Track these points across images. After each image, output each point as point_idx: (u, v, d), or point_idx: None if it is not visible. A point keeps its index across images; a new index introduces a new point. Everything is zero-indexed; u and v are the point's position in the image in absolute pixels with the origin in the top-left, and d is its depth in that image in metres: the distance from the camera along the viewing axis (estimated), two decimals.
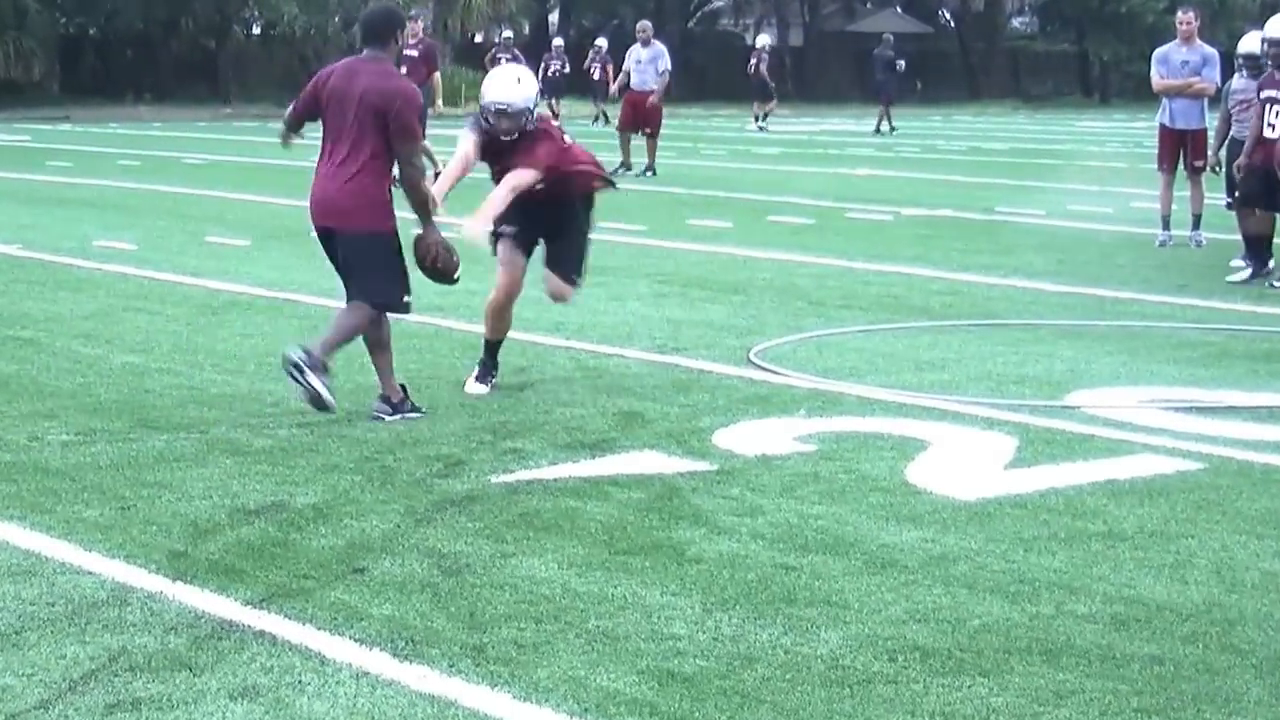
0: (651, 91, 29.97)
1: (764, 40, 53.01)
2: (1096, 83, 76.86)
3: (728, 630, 6.57)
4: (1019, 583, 7.15)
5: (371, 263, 10.08)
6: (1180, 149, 19.09)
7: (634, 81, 30.33)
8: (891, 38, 49.80)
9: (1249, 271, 16.29)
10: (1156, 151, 19.62)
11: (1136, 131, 20.91)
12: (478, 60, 51.29)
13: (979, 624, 6.65)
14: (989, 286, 16.19)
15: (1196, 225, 19.08)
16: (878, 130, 46.12)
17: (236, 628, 6.57)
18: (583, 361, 12.02)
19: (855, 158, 35.52)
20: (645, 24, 31.99)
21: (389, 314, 10.30)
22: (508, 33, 52.09)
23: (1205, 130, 18.41)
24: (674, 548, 7.63)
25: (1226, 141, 18.07)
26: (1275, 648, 6.40)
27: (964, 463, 9.19)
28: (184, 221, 20.34)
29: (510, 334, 11.34)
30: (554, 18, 75.27)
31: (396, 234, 10.17)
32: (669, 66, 30.35)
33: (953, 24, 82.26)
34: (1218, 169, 18.64)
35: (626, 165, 29.72)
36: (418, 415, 10.15)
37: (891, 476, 8.89)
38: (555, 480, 8.78)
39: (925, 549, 7.64)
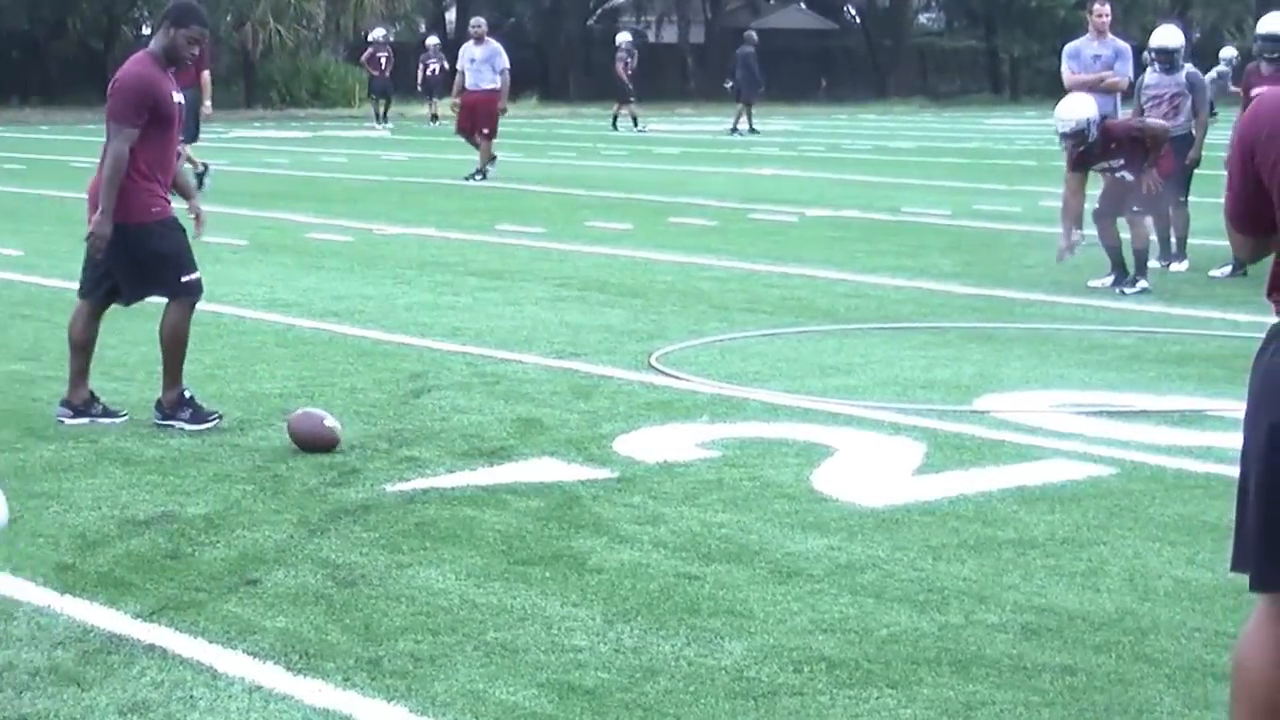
0: (490, 91, 28.99)
1: (623, 38, 51.25)
2: (1006, 79, 77.28)
3: (629, 641, 6.45)
4: (928, 591, 7.05)
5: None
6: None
7: (469, 81, 29.31)
8: (754, 34, 49.45)
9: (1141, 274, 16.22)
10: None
11: (1047, 129, 20.95)
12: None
13: (887, 634, 6.55)
14: (895, 289, 16.14)
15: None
16: (734, 130, 45.65)
17: (126, 642, 6.43)
18: (480, 367, 11.87)
19: (759, 157, 35.52)
20: (479, 21, 30.92)
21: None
22: (381, 31, 52.00)
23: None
24: (574, 557, 7.50)
25: None
26: (1188, 657, 6.33)
27: (871, 469, 9.09)
28: (72, 226, 19.90)
29: (406, 339, 11.22)
30: (451, 15, 75.04)
31: (149, 224, 9.94)
32: (507, 65, 29.48)
33: (858, 20, 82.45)
34: None
35: (483, 171, 28.99)
36: (112, 421, 10.03)
37: (797, 483, 8.77)
38: (452, 489, 8.63)
39: (831, 557, 7.52)
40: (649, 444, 9.60)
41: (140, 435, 9.74)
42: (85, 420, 9.96)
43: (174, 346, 9.97)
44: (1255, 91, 16.88)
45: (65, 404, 10.07)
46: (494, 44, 29.87)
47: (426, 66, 51.10)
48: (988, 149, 37.66)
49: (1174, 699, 5.92)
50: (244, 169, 31.77)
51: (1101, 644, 6.45)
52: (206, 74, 24.86)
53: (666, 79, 72.56)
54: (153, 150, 9.86)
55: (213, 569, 7.32)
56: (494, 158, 29.29)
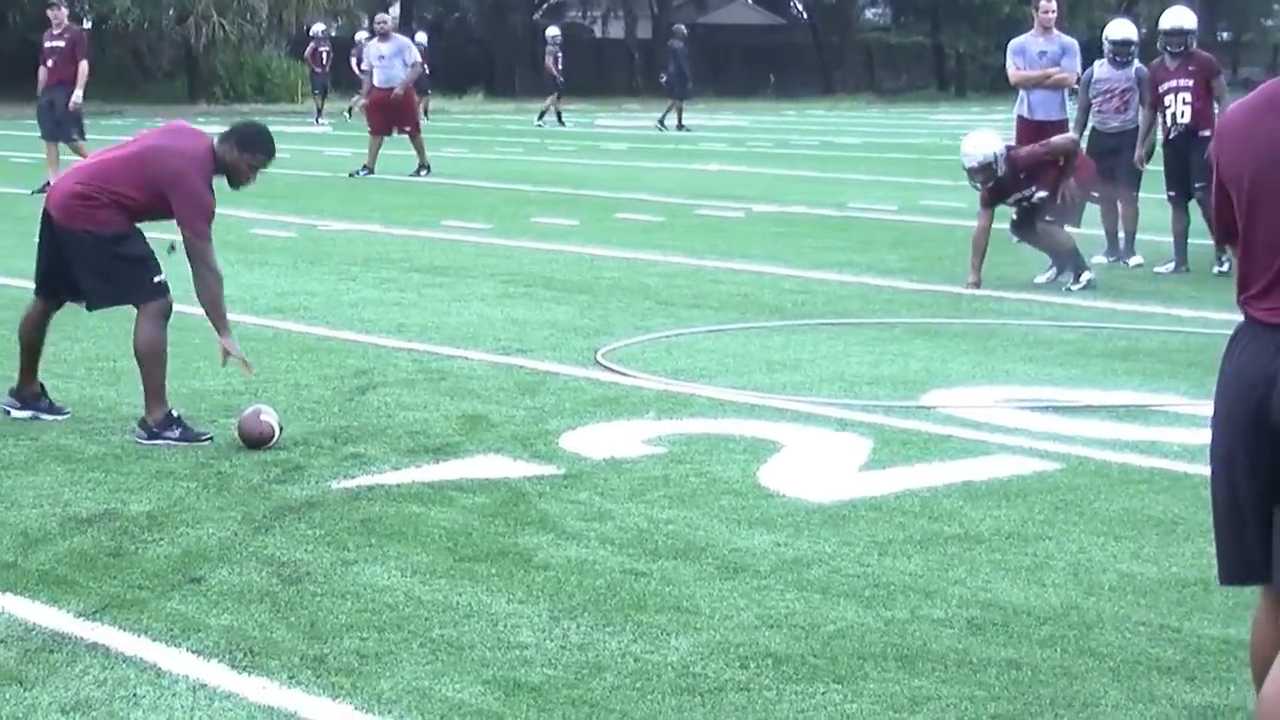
0: (399, 88, 28.52)
1: (552, 31, 50.89)
2: (952, 75, 77.49)
3: (575, 638, 6.43)
4: (874, 587, 7.04)
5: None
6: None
7: (379, 79, 28.71)
8: (684, 29, 49.29)
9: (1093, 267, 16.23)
10: (1015, 143, 19.57)
11: (994, 123, 21.00)
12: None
13: (833, 629, 6.54)
14: (842, 284, 16.14)
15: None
16: (661, 124, 45.55)
17: (68, 640, 6.38)
18: (425, 364, 11.82)
19: (706, 153, 35.50)
20: (384, 17, 30.57)
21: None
22: (321, 25, 51.81)
23: (1066, 121, 18.42)
24: (520, 554, 7.47)
25: (1087, 132, 18.02)
26: (1133, 651, 6.33)
27: (817, 465, 9.08)
28: (12, 222, 19.86)
29: (351, 335, 11.15)
30: (395, 11, 74.76)
31: (119, 233, 9.78)
32: (418, 58, 29.27)
33: (805, 16, 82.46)
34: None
35: (369, 168, 28.44)
36: (58, 417, 9.94)
37: (743, 479, 8.76)
38: (398, 485, 8.59)
39: (778, 553, 7.51)
40: (595, 440, 9.57)
41: (81, 432, 9.67)
42: (29, 413, 9.89)
43: (152, 360, 9.60)
44: (1163, 87, 16.95)
45: (14, 395, 9.99)
46: (401, 38, 29.48)
47: (360, 61, 50.91)
48: (934, 145, 37.70)
49: (1119, 693, 5.92)
50: None
51: (1046, 638, 6.45)
52: (84, 64, 24.15)
53: (613, 74, 72.59)
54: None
55: (156, 567, 7.27)
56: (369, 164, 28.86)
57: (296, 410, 10.25)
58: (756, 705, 5.80)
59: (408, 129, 28.63)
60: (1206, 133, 16.43)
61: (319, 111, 49.54)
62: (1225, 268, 16.34)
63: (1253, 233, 4.78)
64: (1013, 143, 17.00)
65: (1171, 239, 17.10)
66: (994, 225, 15.86)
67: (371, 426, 9.87)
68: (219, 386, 10.93)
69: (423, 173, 28.39)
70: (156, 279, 9.74)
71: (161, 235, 10.06)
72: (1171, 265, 17.02)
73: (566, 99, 50.04)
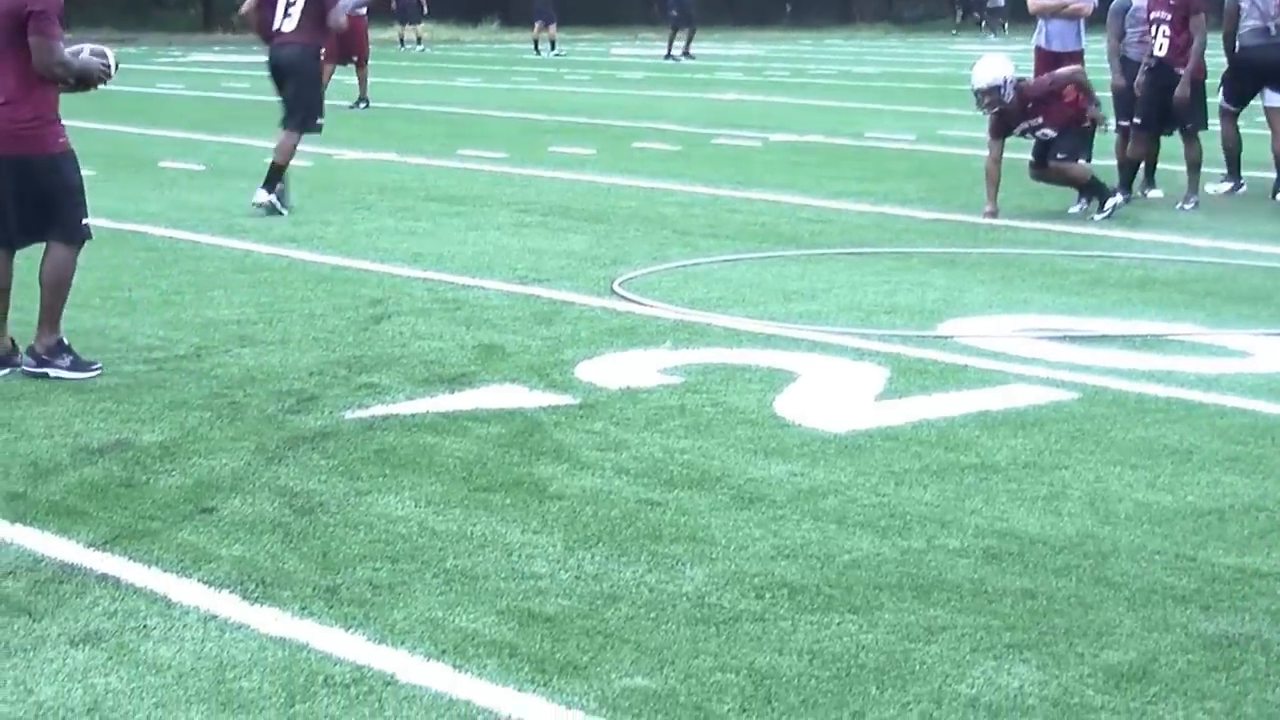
0: (357, 18, 27.57)
1: None
2: (974, 5, 76.95)
3: (590, 568, 6.40)
4: (890, 517, 7.01)
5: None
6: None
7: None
8: None
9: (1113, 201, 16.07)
10: (1032, 75, 19.40)
11: (1013, 54, 20.86)
12: None
13: (848, 559, 6.51)
14: (859, 214, 16.07)
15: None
16: (669, 55, 45.33)
17: (78, 571, 6.36)
18: (440, 293, 11.78)
19: (723, 82, 35.37)
20: None
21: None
22: None
23: (1081, 52, 18.30)
24: (535, 484, 7.44)
25: (1119, 63, 17.72)
26: (1148, 580, 6.30)
27: (834, 395, 9.04)
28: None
29: (366, 265, 11.11)
30: None
31: (58, 156, 9.34)
32: None
33: None
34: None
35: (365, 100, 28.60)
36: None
37: (759, 409, 8.72)
38: (412, 415, 8.56)
39: (794, 483, 7.48)
40: (611, 370, 9.53)
41: None
42: (5, 370, 9.43)
43: (60, 289, 9.33)
44: (1152, 17, 16.67)
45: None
46: None
47: None
48: (952, 75, 37.52)
49: (1134, 621, 5.89)
50: (202, 93, 31.57)
51: (1062, 567, 6.42)
52: None
53: (629, 4, 72.22)
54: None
55: (167, 497, 7.25)
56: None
57: (311, 340, 10.22)
58: (771, 635, 5.77)
59: (355, 59, 28.65)
60: (1180, 70, 16.30)
61: None
62: None
63: None
64: (1027, 76, 16.83)
65: (1117, 166, 16.88)
66: (1010, 156, 15.75)
67: (386, 356, 9.84)
68: (233, 316, 10.91)
69: (361, 105, 28.37)
70: (87, 220, 9.47)
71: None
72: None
73: (581, 28, 49.85)
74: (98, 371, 9.32)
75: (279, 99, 15.75)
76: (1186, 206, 16.31)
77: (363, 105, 28.47)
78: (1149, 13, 16.65)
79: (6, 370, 9.41)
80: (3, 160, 9.21)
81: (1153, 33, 16.59)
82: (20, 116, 9.19)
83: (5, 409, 8.65)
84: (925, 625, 5.85)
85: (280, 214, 15.34)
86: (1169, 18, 16.47)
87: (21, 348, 9.46)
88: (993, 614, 5.96)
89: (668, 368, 9.59)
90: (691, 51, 45.49)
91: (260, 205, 15.53)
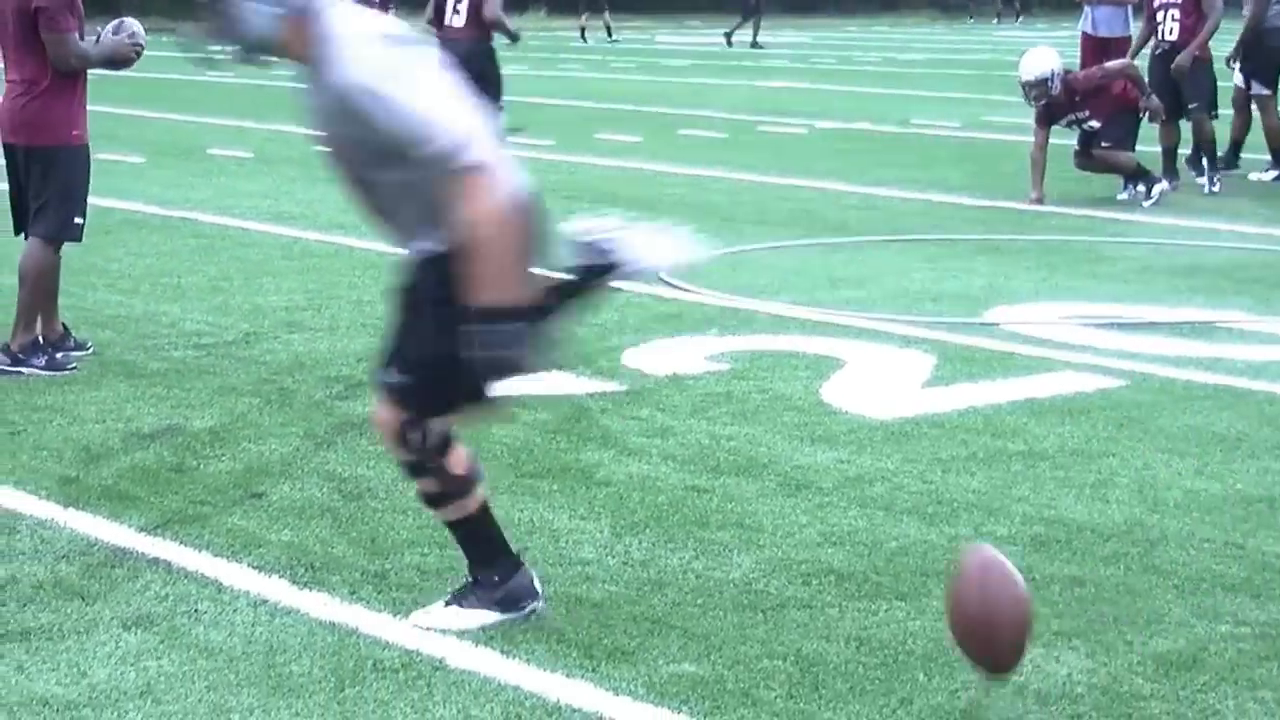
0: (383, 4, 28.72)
1: None
2: None
3: (637, 554, 6.42)
4: (937, 504, 7.01)
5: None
6: (1104, 58, 18.66)
7: None
8: None
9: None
10: (1079, 60, 19.33)
11: (1058, 41, 20.67)
12: None
13: (895, 546, 6.51)
14: (905, 201, 16.05)
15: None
16: (740, 43, 45.26)
17: (130, 555, 6.40)
18: None
19: (769, 70, 35.31)
20: None
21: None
22: None
23: (1129, 38, 18.21)
24: (582, 470, 7.46)
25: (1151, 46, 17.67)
26: (1197, 568, 6.29)
27: (880, 382, 9.04)
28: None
29: None
30: None
31: (76, 149, 9.35)
32: None
33: None
34: None
35: None
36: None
37: (806, 396, 8.72)
38: None
39: (841, 470, 7.48)
40: (658, 357, 9.54)
41: (145, 348, 9.69)
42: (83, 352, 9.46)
43: (36, 285, 9.24)
44: (1157, 3, 16.63)
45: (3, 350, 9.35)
46: None
47: None
48: (998, 61, 37.37)
49: (1183, 609, 5.88)
50: (249, 81, 31.59)
51: (1110, 555, 6.41)
52: None
53: None
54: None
55: (218, 482, 7.29)
56: None
57: (359, 326, 10.25)
58: (818, 622, 5.78)
59: None
60: (1195, 52, 16.28)
61: None
62: None
63: None
64: (1074, 68, 16.74)
65: (1161, 153, 16.80)
66: (1056, 143, 15.71)
67: None
68: (282, 303, 10.95)
69: None
70: (80, 220, 9.36)
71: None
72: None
73: (627, 15, 49.78)
74: (74, 370, 9.17)
75: None
76: (1214, 189, 16.28)
77: None
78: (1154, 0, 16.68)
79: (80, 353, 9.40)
80: (23, 149, 9.23)
81: (1161, 18, 16.57)
82: (37, 106, 9.17)
83: (58, 394, 8.70)
84: None
85: None
86: (1180, 1, 16.48)
87: (74, 335, 9.50)
88: (1041, 601, 5.93)
89: (714, 354, 9.60)
90: (759, 40, 45.38)
91: None
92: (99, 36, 9.36)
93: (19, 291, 9.30)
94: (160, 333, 10.07)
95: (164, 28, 48.30)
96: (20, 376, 9.06)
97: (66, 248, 9.44)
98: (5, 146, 9.38)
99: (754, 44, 45.15)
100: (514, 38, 17.66)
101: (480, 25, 16.68)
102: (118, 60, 9.41)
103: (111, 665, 5.43)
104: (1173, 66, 16.32)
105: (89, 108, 9.46)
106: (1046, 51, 15.92)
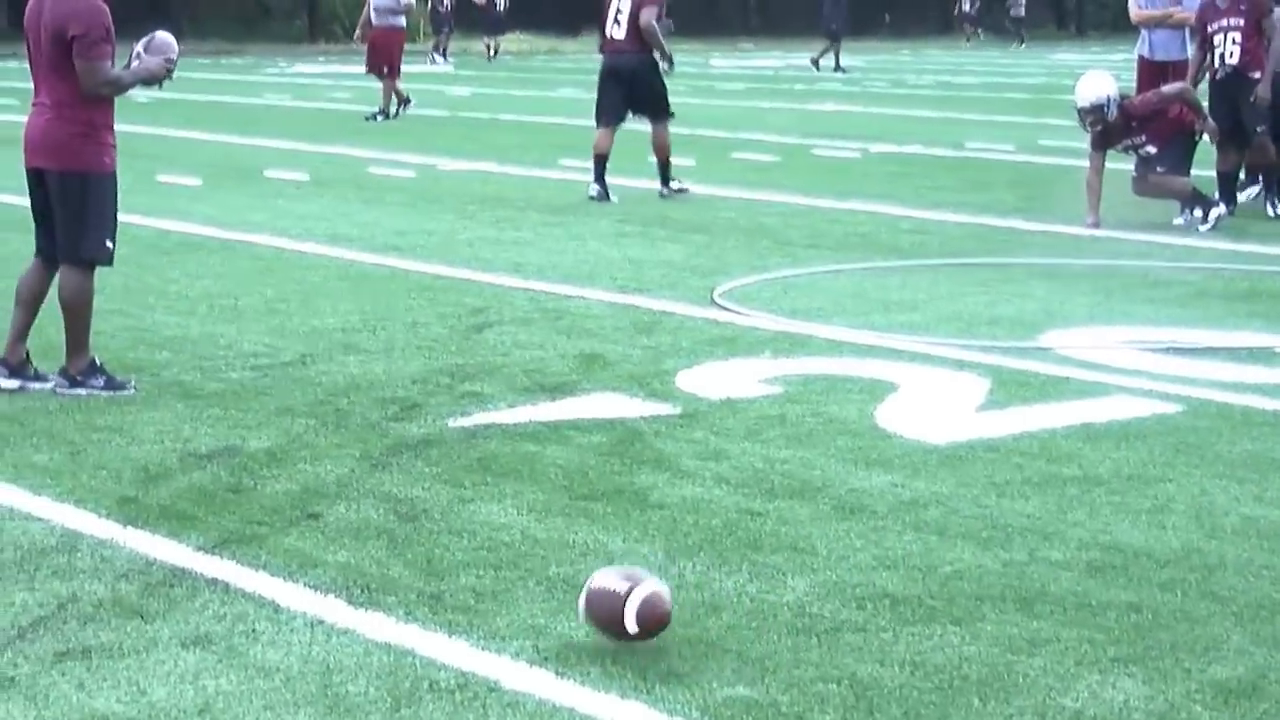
0: (391, 29, 28.48)
1: None
2: (1072, 14, 76.52)
3: (691, 577, 6.42)
4: (992, 528, 7.00)
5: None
6: (1160, 82, 18.55)
7: (375, 20, 28.72)
8: None
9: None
10: (1135, 84, 19.27)
11: (1114, 64, 20.66)
12: None
13: (950, 571, 6.50)
14: (959, 224, 16.03)
15: None
16: (824, 67, 45.34)
17: (188, 575, 6.44)
18: (542, 302, 11.83)
19: (822, 93, 35.32)
20: None
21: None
22: None
23: (1186, 61, 18.14)
24: (636, 493, 7.47)
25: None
26: (1255, 594, 6.26)
27: (935, 405, 9.02)
28: (134, 160, 19.85)
29: (468, 274, 11.16)
30: None
31: (106, 178, 9.25)
32: (411, 1, 29.27)
33: None
34: None
35: (404, 100, 28.49)
36: (41, 386, 9.29)
37: (860, 419, 8.72)
38: (514, 424, 8.60)
39: (895, 494, 7.47)
40: (711, 380, 9.55)
41: (202, 369, 9.74)
42: (17, 384, 9.29)
43: (82, 311, 9.23)
44: (1212, 27, 16.42)
45: (1, 363, 9.36)
46: None
47: (491, 1, 51.15)
48: (1053, 84, 37.33)
49: (1241, 637, 5.85)
50: (306, 104, 31.78)
51: (1168, 581, 6.38)
52: None
53: (729, 14, 72.24)
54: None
55: (274, 502, 7.32)
56: (407, 100, 28.66)
57: (414, 349, 10.29)
58: (873, 646, 5.77)
59: (384, 70, 28.41)
60: (1256, 74, 16.16)
61: (443, 50, 49.60)
62: None
63: None
64: (1130, 93, 16.67)
65: (1217, 177, 16.67)
66: (1113, 168, 15.67)
67: (488, 365, 9.89)
68: (338, 324, 11.00)
69: (379, 118, 28.01)
70: (111, 244, 9.31)
71: None
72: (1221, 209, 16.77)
73: (680, 39, 49.83)
74: (131, 391, 9.22)
75: (612, 102, 17.60)
76: (1277, 212, 16.21)
77: (380, 118, 28.07)
78: (1212, 23, 16.42)
79: (18, 383, 9.28)
80: (46, 172, 9.20)
81: (1219, 41, 16.39)
82: (66, 130, 9.14)
83: (116, 414, 8.75)
84: (1028, 638, 5.83)
85: (686, 190, 17.71)
86: (1240, 23, 16.30)
87: (37, 364, 9.38)
88: (1097, 627, 5.93)
89: (768, 378, 9.60)
90: (830, 64, 45.45)
91: (666, 196, 17.67)
92: (132, 52, 9.40)
93: (64, 320, 9.28)
94: (217, 354, 10.12)
95: (223, 50, 48.63)
96: (80, 396, 9.11)
97: (119, 269, 9.45)
98: (31, 170, 9.34)
99: (837, 68, 45.18)
100: (666, 56, 17.85)
101: (640, 38, 17.25)
102: (150, 82, 9.47)
103: (170, 684, 5.46)
104: (1255, 97, 16.14)
105: (146, 131, 9.50)
106: (1102, 76, 15.89)
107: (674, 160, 18.20)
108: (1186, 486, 7.59)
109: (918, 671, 5.56)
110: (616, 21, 17.23)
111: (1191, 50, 17.91)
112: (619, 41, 17.30)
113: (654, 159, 17.78)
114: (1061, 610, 6.08)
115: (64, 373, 9.28)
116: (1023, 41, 64.78)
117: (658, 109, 17.58)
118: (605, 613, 5.76)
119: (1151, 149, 15.57)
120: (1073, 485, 7.60)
